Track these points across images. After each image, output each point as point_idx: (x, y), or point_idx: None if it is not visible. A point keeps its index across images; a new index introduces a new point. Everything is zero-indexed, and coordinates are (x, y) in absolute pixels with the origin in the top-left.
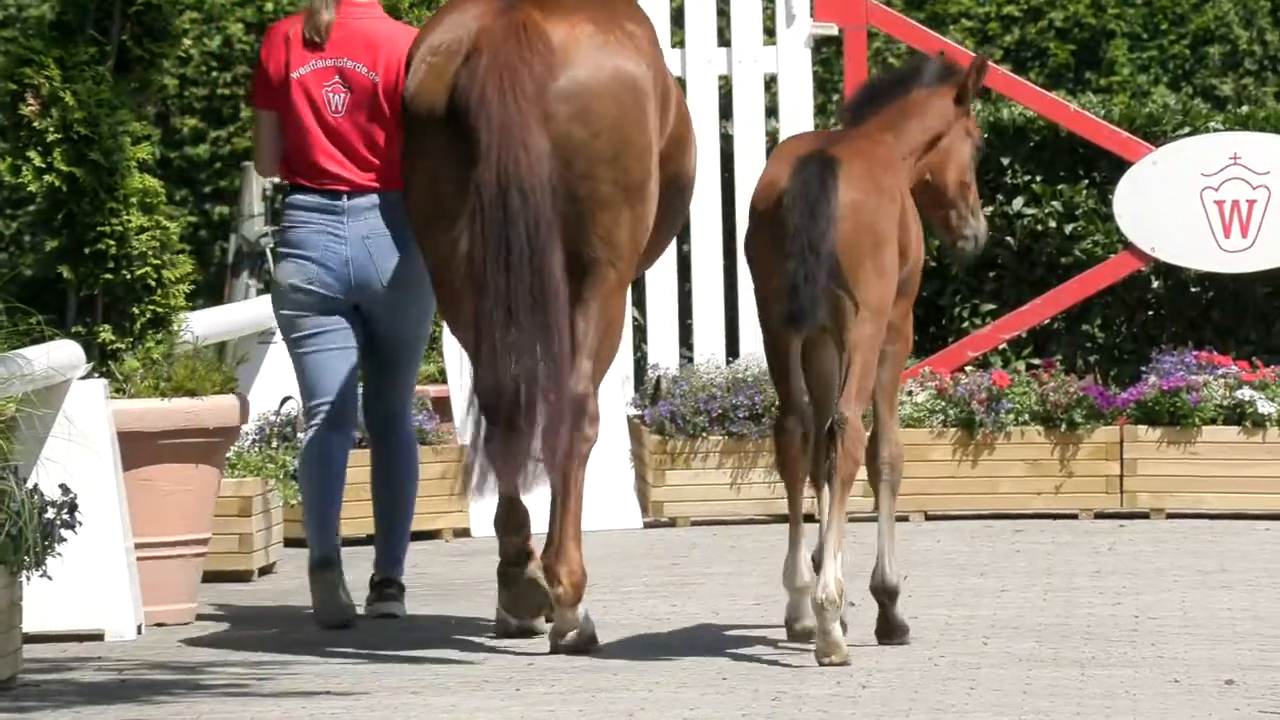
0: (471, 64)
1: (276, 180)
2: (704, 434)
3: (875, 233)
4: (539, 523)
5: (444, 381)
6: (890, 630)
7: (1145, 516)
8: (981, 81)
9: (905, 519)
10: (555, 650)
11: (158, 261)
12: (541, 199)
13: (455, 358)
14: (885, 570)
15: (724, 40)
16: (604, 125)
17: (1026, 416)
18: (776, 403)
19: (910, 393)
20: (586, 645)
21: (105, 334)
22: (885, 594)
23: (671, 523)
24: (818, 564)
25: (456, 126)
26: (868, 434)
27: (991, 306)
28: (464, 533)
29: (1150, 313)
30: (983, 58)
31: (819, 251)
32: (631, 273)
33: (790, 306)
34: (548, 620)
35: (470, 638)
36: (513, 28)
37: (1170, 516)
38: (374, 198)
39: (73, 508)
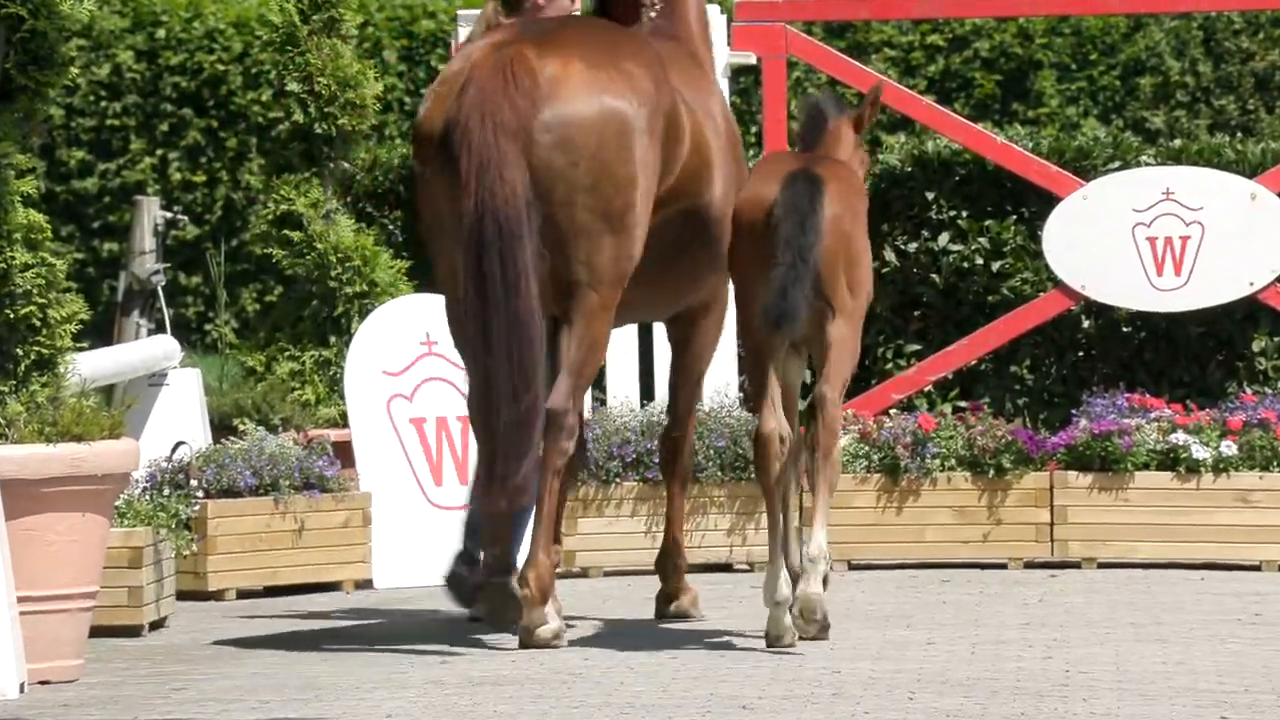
0: (461, 97)
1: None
2: (617, 480)
3: (849, 247)
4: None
5: (345, 425)
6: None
7: (1076, 566)
8: (877, 110)
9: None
10: (524, 645)
11: (43, 300)
12: (516, 228)
13: (357, 401)
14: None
15: None
16: (583, 155)
17: (953, 462)
18: (755, 414)
19: None
20: (555, 640)
21: None
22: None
23: (584, 573)
24: (795, 575)
25: (449, 154)
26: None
27: (916, 347)
28: (366, 584)
29: (1080, 353)
30: (877, 87)
31: (807, 260)
32: (615, 296)
33: (777, 308)
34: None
35: (372, 694)
36: (501, 63)
37: (1102, 566)
38: None
39: None
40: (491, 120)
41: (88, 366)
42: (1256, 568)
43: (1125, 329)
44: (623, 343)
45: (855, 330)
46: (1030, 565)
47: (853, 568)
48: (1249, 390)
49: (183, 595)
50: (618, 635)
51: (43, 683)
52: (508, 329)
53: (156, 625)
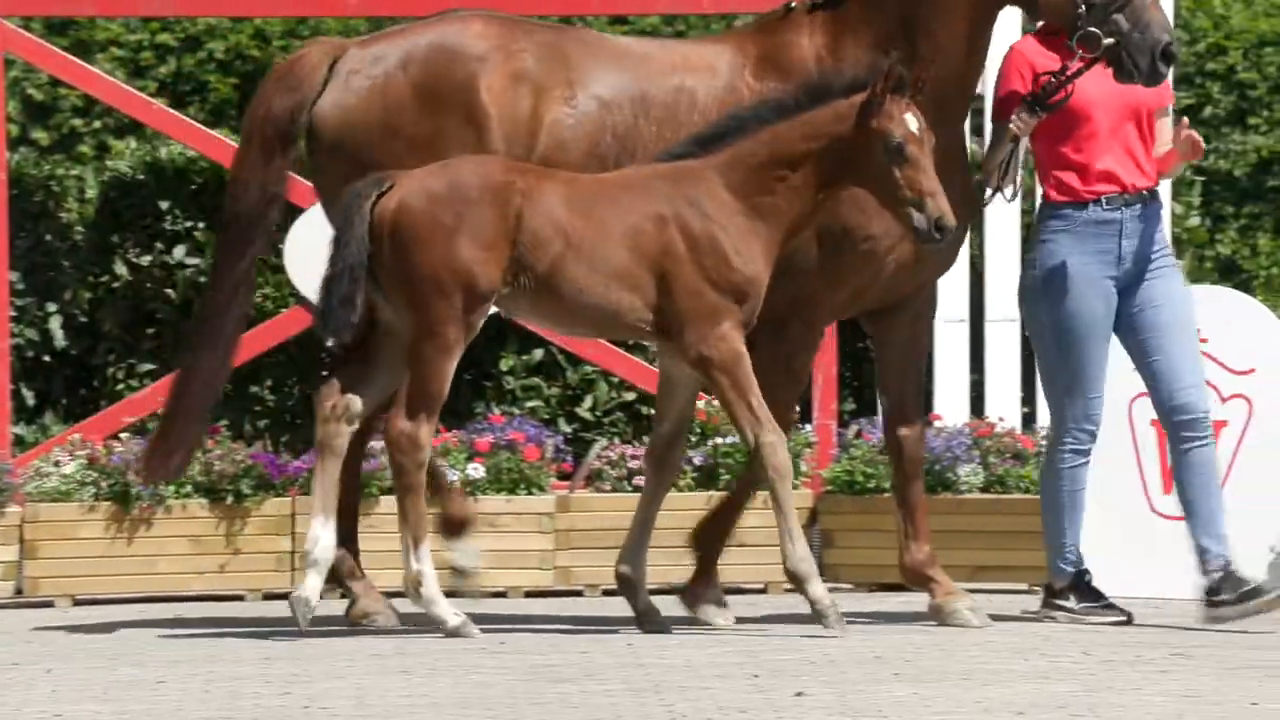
0: None
1: None
2: None
3: (410, 254)
4: None
5: None
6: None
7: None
8: (888, 86)
9: (50, 604)
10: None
11: None
12: (237, 228)
13: None
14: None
15: None
16: (330, 151)
17: (189, 488)
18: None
19: (57, 463)
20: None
21: None
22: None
23: None
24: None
25: None
26: None
27: (150, 367)
28: None
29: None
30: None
31: (338, 268)
32: None
33: (315, 318)
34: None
35: None
36: (280, 66)
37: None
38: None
39: None
40: (251, 120)
41: None
42: (503, 595)
43: None
44: None
45: (431, 346)
46: (270, 596)
47: (78, 603)
48: (497, 411)
49: None
50: None
51: None
52: (203, 318)
53: None
